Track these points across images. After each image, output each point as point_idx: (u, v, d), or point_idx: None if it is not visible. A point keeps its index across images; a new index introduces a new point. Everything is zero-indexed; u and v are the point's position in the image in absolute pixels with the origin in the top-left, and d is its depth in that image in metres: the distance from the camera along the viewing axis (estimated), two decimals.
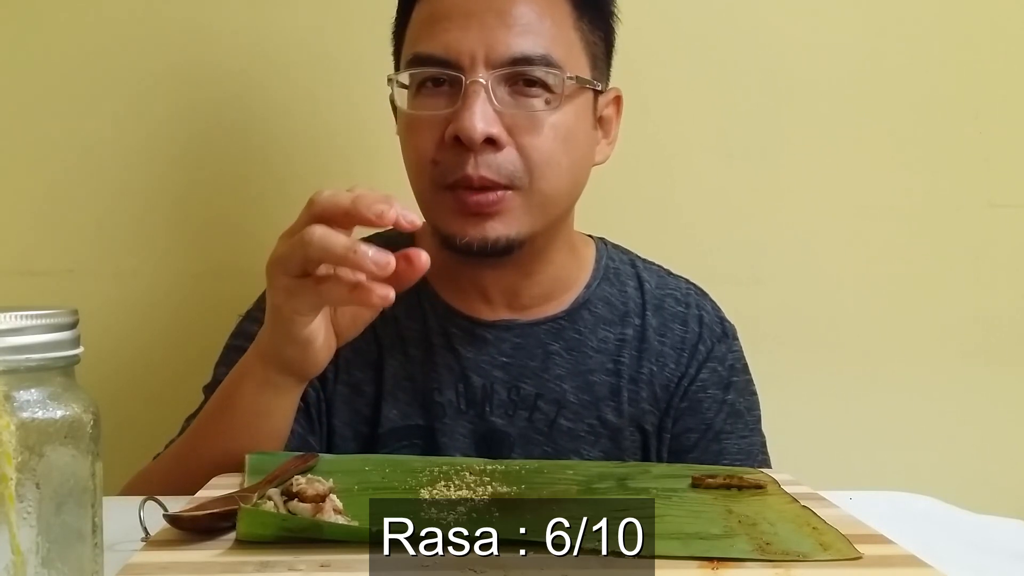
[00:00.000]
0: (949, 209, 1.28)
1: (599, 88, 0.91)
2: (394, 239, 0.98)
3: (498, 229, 0.85)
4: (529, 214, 0.86)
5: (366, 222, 0.66)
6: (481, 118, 0.82)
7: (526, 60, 0.84)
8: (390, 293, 0.67)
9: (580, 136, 0.89)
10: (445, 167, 0.85)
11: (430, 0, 0.88)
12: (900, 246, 1.28)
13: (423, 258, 0.68)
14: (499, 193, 0.84)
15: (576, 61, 0.88)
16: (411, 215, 0.67)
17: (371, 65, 0.96)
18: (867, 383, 1.28)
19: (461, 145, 0.83)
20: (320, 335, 0.76)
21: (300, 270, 0.69)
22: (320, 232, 0.67)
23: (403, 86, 0.89)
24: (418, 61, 0.86)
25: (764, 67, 1.26)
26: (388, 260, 0.65)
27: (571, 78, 0.86)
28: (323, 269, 0.69)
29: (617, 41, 0.96)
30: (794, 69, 1.26)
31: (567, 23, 0.88)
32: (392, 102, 0.94)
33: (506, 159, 0.84)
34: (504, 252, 0.87)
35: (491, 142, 0.83)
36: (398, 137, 0.93)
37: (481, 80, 0.83)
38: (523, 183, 0.85)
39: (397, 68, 0.93)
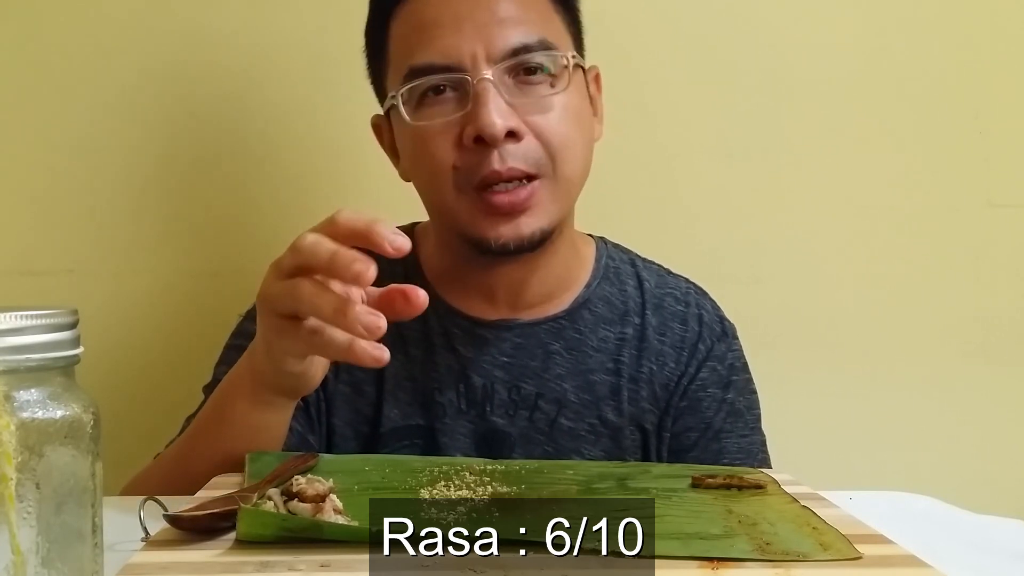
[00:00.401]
0: (949, 209, 1.28)
1: (585, 67, 0.92)
2: None
3: (532, 224, 0.86)
4: (556, 202, 0.87)
5: (345, 280, 0.65)
6: (498, 114, 0.83)
7: (525, 48, 0.85)
8: (384, 355, 0.66)
9: (586, 115, 0.90)
10: (468, 169, 0.85)
11: (409, 13, 0.88)
12: (900, 246, 1.28)
13: (421, 297, 0.67)
14: (528, 188, 0.84)
15: (566, 43, 0.89)
16: (399, 240, 0.65)
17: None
18: (867, 383, 1.28)
19: (482, 144, 0.83)
20: (312, 364, 0.74)
21: (290, 314, 0.68)
22: (308, 289, 0.65)
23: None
24: (417, 72, 0.86)
25: (764, 67, 1.26)
26: (379, 324, 0.63)
27: (573, 56, 0.87)
28: (314, 320, 0.67)
29: (617, 40, 0.96)
30: (794, 69, 1.26)
31: (548, 9, 0.89)
32: (375, 127, 0.94)
33: (528, 148, 0.85)
34: (539, 245, 0.87)
35: (511, 135, 0.84)
36: (388, 153, 0.94)
37: (487, 77, 0.83)
38: (547, 170, 0.85)
39: (378, 91, 0.93)
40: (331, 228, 0.66)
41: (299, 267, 0.66)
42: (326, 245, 0.65)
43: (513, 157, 0.84)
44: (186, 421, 0.92)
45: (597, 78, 0.95)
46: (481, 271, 0.92)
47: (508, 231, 0.85)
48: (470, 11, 0.85)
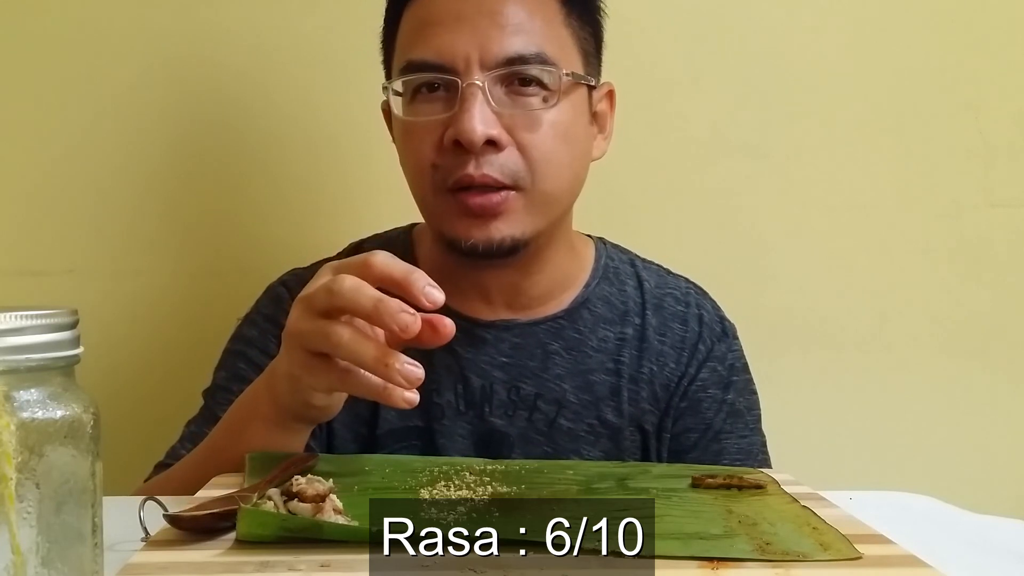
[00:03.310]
0: (949, 208, 1.28)
1: (592, 83, 0.91)
2: (392, 240, 0.99)
3: (503, 230, 0.85)
4: (532, 214, 0.86)
5: (390, 332, 0.65)
6: (480, 120, 0.82)
7: (521, 59, 0.84)
8: (415, 399, 0.66)
9: (578, 132, 0.89)
10: (445, 170, 0.85)
11: (419, 7, 0.87)
12: (900, 246, 1.28)
13: (448, 328, 0.67)
14: (502, 194, 0.84)
15: (569, 58, 0.88)
16: (435, 294, 0.65)
17: (369, 63, 0.96)
18: (867, 383, 1.28)
19: (461, 148, 0.83)
20: (336, 396, 0.74)
21: (322, 352, 0.68)
22: (348, 337, 0.65)
23: (397, 93, 0.89)
24: (412, 68, 0.86)
25: (765, 67, 1.26)
26: (419, 376, 0.64)
27: (567, 75, 0.86)
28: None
29: (619, 39, 0.96)
30: (795, 69, 1.26)
31: (557, 20, 0.88)
32: (384, 111, 0.94)
33: (508, 159, 0.84)
34: (509, 252, 0.87)
35: (491, 143, 0.83)
36: (394, 144, 0.93)
37: (477, 82, 0.83)
38: (526, 182, 0.85)
39: (388, 76, 0.93)
40: (364, 270, 0.66)
41: (335, 309, 0.66)
42: (368, 292, 0.65)
43: (489, 165, 0.83)
44: (186, 427, 0.92)
45: (610, 95, 0.95)
46: (473, 272, 0.92)
47: (479, 233, 0.85)
48: (472, 13, 0.84)
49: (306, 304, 0.68)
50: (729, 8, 1.26)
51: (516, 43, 0.84)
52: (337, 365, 0.68)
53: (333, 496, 0.57)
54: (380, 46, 0.94)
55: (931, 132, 1.27)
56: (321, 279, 0.68)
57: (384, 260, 0.66)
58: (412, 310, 0.64)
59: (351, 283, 0.65)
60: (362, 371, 0.66)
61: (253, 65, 1.23)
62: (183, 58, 1.23)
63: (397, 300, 0.64)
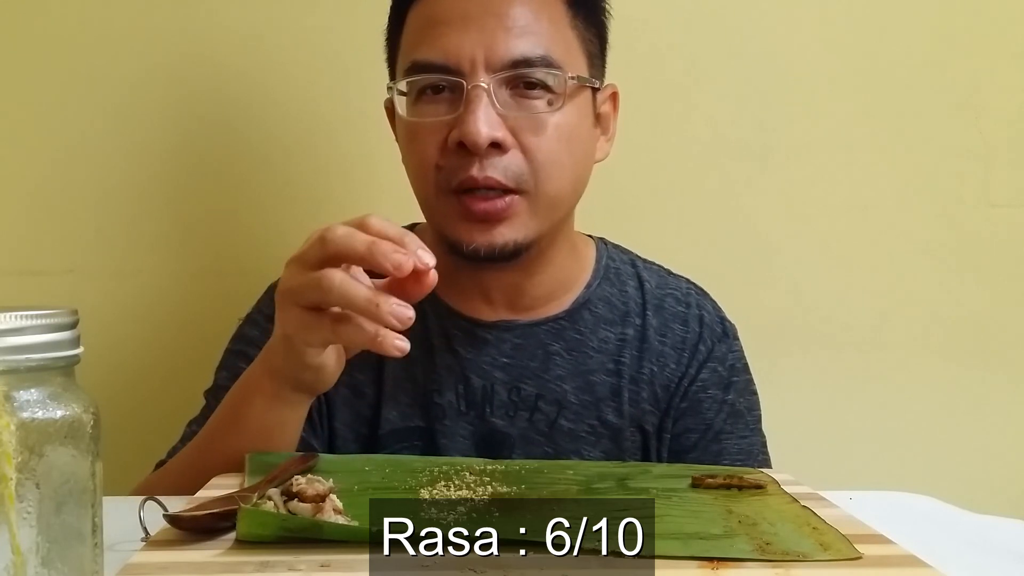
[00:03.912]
0: (949, 209, 1.28)
1: (597, 86, 0.91)
2: None
3: (506, 234, 0.85)
4: (535, 217, 0.86)
5: (383, 272, 0.66)
6: (485, 123, 0.82)
7: (526, 62, 0.84)
8: (406, 346, 0.67)
9: (582, 135, 0.89)
10: (449, 172, 0.85)
11: (424, 6, 0.87)
12: (900, 246, 1.28)
13: (431, 277, 0.68)
14: (506, 200, 0.84)
15: (575, 60, 0.88)
16: (427, 256, 0.67)
17: (369, 63, 0.96)
18: (867, 383, 1.28)
19: (465, 150, 0.83)
20: (331, 357, 0.75)
21: (314, 305, 0.69)
22: (340, 280, 0.66)
23: (402, 93, 0.88)
24: (417, 68, 0.86)
25: (765, 67, 1.26)
26: (409, 316, 0.66)
27: (572, 78, 0.86)
28: (338, 309, 0.68)
29: (621, 40, 0.96)
30: (795, 69, 1.26)
31: (563, 22, 0.88)
32: (387, 109, 0.94)
33: (512, 161, 0.84)
34: (512, 256, 0.87)
35: (496, 146, 0.83)
36: (397, 143, 0.93)
37: (483, 84, 0.83)
38: (529, 185, 0.85)
39: (392, 75, 0.92)
40: (361, 228, 0.68)
41: (328, 257, 0.67)
42: (361, 236, 0.67)
43: (493, 168, 0.83)
44: (188, 427, 0.92)
45: (614, 96, 0.94)
46: (474, 273, 0.92)
47: (482, 238, 0.85)
48: (479, 14, 0.84)
49: (299, 262, 0.70)
50: (730, 8, 1.26)
51: (522, 45, 0.84)
52: (329, 316, 0.69)
53: (333, 496, 0.57)
54: (383, 45, 0.94)
55: (931, 132, 1.27)
56: (312, 238, 0.70)
57: (381, 221, 0.68)
58: (405, 250, 0.66)
59: (343, 230, 0.67)
60: (354, 320, 0.67)
61: (253, 65, 1.23)
62: (183, 58, 1.23)
63: (390, 241, 0.66)
